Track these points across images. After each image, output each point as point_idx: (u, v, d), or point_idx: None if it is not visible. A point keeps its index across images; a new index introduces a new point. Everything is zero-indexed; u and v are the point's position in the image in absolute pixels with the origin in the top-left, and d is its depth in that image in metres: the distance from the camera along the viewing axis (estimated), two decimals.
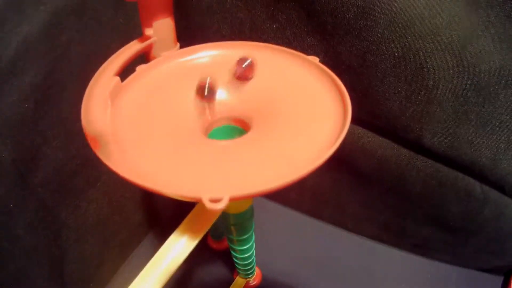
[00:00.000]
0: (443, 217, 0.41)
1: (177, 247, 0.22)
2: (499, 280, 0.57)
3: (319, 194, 0.46)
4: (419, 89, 0.33)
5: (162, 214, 0.49)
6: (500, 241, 0.47)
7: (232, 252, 0.33)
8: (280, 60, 0.24)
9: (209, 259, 0.45)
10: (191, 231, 0.22)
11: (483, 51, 0.32)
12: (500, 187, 0.38)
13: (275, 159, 0.18)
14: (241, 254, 0.33)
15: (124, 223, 0.43)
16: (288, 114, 0.21)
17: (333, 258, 0.47)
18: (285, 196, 0.50)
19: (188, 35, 0.28)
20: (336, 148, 0.18)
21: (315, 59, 0.24)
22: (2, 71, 0.26)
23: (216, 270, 0.44)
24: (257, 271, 0.45)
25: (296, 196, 0.48)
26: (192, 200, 0.16)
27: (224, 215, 0.27)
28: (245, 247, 0.31)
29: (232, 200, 0.15)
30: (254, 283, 0.44)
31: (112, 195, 0.40)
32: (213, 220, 0.23)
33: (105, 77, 0.22)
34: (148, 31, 0.25)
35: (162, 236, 0.46)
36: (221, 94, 0.23)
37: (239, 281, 0.42)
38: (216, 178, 0.17)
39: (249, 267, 0.37)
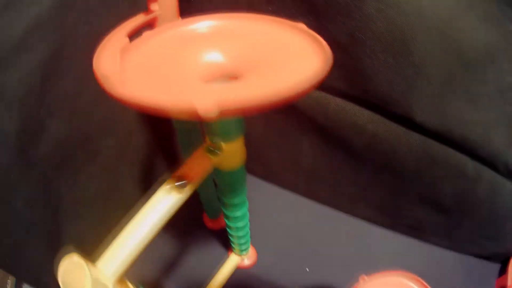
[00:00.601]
0: (437, 196, 0.42)
1: (173, 194, 0.23)
2: (496, 267, 0.57)
3: (314, 174, 0.46)
4: (407, 65, 0.34)
5: None
6: (496, 225, 0.47)
7: (226, 220, 0.34)
8: (272, 28, 0.26)
9: (205, 238, 0.46)
10: (189, 177, 0.23)
11: (468, 28, 0.33)
12: (492, 165, 0.38)
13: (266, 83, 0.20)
14: (234, 223, 0.34)
15: (122, 200, 0.44)
16: (275, 64, 0.22)
17: (328, 240, 0.47)
18: (281, 177, 0.50)
19: (189, 13, 0.30)
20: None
21: (302, 25, 0.26)
22: (13, 46, 0.28)
23: (211, 248, 0.45)
24: (252, 251, 0.45)
25: (291, 176, 0.49)
26: (187, 113, 0.16)
27: (218, 175, 0.28)
28: (237, 213, 0.32)
29: (224, 111, 0.15)
30: (249, 263, 0.45)
31: (110, 171, 0.41)
32: (208, 167, 0.24)
33: (115, 37, 0.23)
34: (154, 6, 0.28)
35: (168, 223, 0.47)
36: (217, 57, 0.25)
37: (233, 257, 0.42)
38: (209, 93, 0.19)
39: (242, 241, 0.38)
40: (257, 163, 0.50)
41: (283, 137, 0.45)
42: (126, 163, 0.44)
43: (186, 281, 0.43)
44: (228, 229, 0.37)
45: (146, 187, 0.47)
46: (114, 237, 0.22)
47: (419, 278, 0.31)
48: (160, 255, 0.45)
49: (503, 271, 0.58)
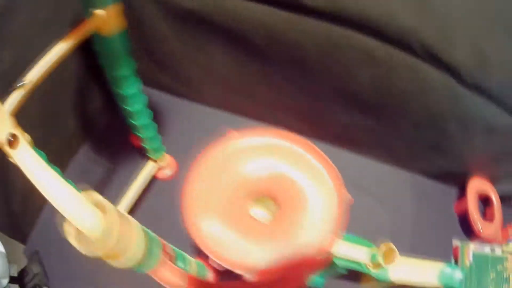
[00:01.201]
0: (353, 91, 0.38)
1: None
2: (454, 192, 0.53)
3: (231, 85, 0.45)
4: None
5: (96, 123, 0.50)
6: (437, 129, 0.43)
7: (123, 107, 0.34)
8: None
9: (130, 155, 0.46)
10: None
11: None
12: (407, 47, 0.34)
13: None
14: (130, 106, 0.34)
15: (56, 132, 0.43)
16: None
17: None
18: (202, 93, 0.49)
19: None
20: None
21: None
22: None
23: (135, 164, 0.45)
24: (173, 163, 0.45)
25: (211, 90, 0.47)
26: None
27: (102, 44, 0.28)
28: (128, 91, 0.32)
29: None
30: (171, 174, 0.45)
31: (45, 101, 0.40)
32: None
33: None
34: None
35: (98, 147, 0.48)
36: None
37: (149, 164, 0.43)
38: None
39: (147, 135, 0.38)
40: (179, 82, 0.49)
41: (199, 51, 0.44)
42: (63, 92, 0.44)
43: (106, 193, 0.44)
44: (132, 130, 0.37)
45: (83, 118, 0.48)
46: None
47: (309, 143, 0.29)
48: (85, 170, 0.45)
49: (461, 195, 0.54)
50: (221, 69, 0.44)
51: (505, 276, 0.53)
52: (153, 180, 0.45)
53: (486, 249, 0.52)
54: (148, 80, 0.50)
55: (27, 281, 0.38)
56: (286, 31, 0.36)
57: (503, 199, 0.56)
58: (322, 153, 0.28)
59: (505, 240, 0.53)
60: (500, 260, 0.54)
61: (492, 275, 0.52)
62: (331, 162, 0.27)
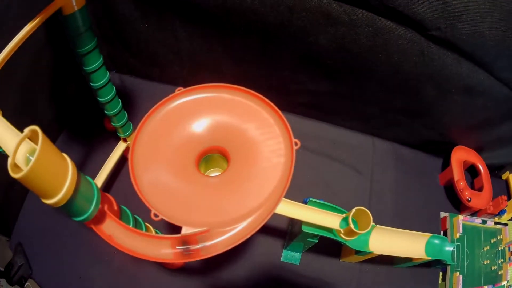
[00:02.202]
0: (316, 54, 0.37)
1: None
2: (439, 163, 0.51)
3: (195, 62, 0.44)
4: None
5: (73, 110, 0.49)
6: (406, 91, 0.41)
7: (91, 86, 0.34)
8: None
9: (104, 139, 0.46)
10: None
11: None
12: (363, 2, 0.33)
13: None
14: (94, 83, 0.34)
15: (35, 120, 0.42)
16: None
17: None
18: (170, 74, 0.48)
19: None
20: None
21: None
22: None
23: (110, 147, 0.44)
24: None
25: (176, 68, 0.46)
26: None
27: (68, 24, 0.29)
28: (91, 67, 0.32)
29: None
30: None
31: (24, 91, 0.40)
32: None
33: None
34: None
35: (76, 132, 0.47)
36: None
37: (120, 143, 0.42)
38: None
39: (112, 112, 0.37)
40: (148, 64, 0.48)
41: (164, 30, 0.43)
42: (40, 78, 0.44)
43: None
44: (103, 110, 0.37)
45: (62, 105, 0.47)
46: None
47: (260, 96, 0.28)
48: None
49: (446, 164, 0.52)
50: (186, 46, 0.43)
51: (499, 249, 0.50)
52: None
53: (477, 221, 0.50)
54: (120, 66, 0.51)
55: (13, 274, 0.38)
56: (242, 1, 0.35)
57: (491, 170, 0.54)
58: (271, 103, 0.27)
59: (497, 211, 0.51)
60: (494, 232, 0.51)
61: (486, 248, 0.49)
62: (280, 112, 0.26)
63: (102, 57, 0.34)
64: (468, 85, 0.40)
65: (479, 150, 0.51)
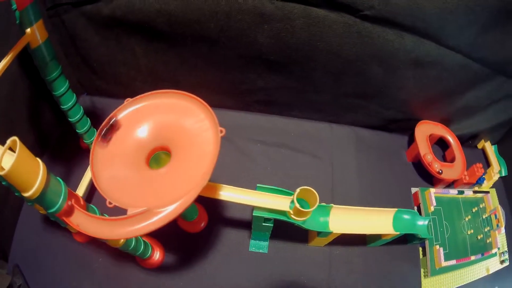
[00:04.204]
0: (257, 52, 0.39)
1: None
2: (405, 141, 0.52)
3: (154, 74, 0.47)
4: None
5: (51, 134, 0.53)
6: (354, 75, 0.42)
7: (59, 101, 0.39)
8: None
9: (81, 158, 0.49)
10: None
11: None
12: None
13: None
14: (63, 105, 0.38)
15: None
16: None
17: None
18: (134, 90, 0.50)
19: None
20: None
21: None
22: None
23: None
24: None
25: (139, 84, 0.49)
26: None
27: (37, 55, 0.33)
28: (59, 91, 0.37)
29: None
30: None
31: (2, 120, 0.42)
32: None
33: None
34: None
35: (54, 156, 0.51)
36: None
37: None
38: None
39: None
40: (113, 84, 0.51)
41: (123, 51, 0.46)
42: (19, 105, 0.47)
43: None
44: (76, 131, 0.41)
45: (40, 130, 0.50)
46: None
47: (200, 99, 0.30)
48: None
49: (411, 141, 0.52)
50: (145, 62, 0.46)
51: (484, 217, 0.49)
52: None
53: (452, 192, 0.49)
54: (89, 89, 0.54)
55: None
56: (184, 13, 0.38)
57: (464, 141, 0.53)
58: (201, 100, 0.31)
59: (474, 180, 0.50)
60: (474, 202, 0.51)
61: (467, 218, 0.49)
62: (209, 107, 0.30)
63: (68, 82, 0.38)
64: (415, 58, 0.40)
65: (446, 122, 0.51)
